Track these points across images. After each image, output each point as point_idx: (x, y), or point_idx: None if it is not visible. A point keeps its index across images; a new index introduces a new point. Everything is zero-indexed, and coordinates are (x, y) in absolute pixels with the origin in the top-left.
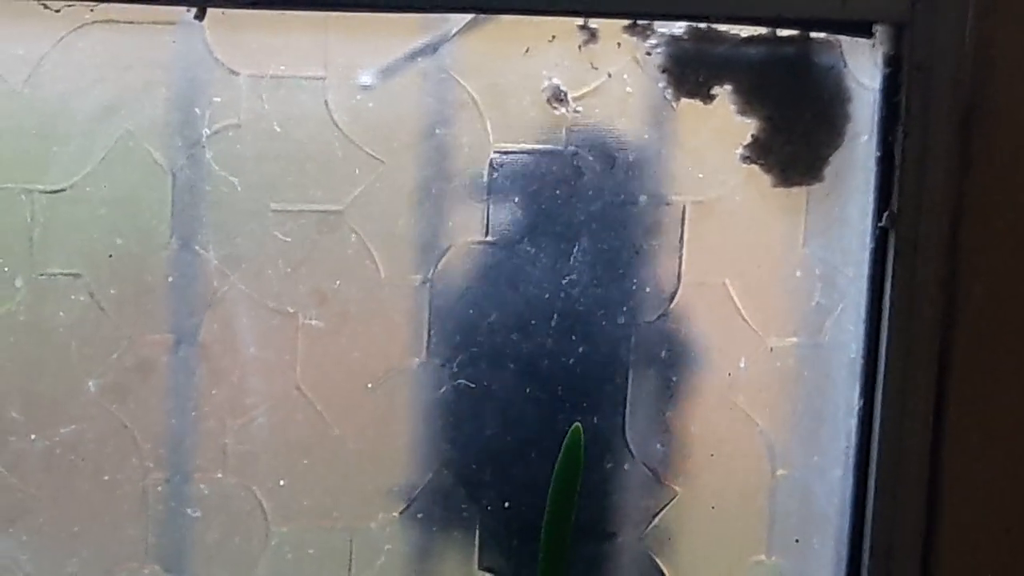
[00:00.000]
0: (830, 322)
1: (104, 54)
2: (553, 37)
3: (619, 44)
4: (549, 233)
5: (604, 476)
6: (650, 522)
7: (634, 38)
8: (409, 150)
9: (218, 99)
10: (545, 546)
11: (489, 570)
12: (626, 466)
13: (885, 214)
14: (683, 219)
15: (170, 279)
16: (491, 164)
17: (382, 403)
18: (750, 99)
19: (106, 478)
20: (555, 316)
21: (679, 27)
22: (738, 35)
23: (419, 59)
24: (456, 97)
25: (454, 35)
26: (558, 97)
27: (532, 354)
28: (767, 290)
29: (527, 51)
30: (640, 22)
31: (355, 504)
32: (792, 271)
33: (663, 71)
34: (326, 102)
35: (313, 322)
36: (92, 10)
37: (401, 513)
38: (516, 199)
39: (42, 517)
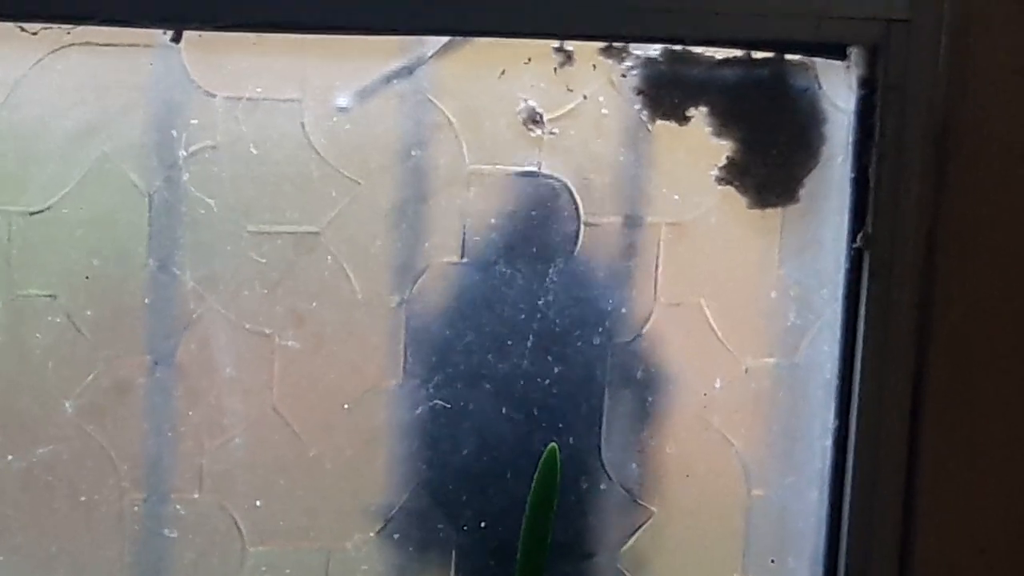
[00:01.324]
0: (805, 343)
1: (81, 76)
2: (529, 59)
3: (595, 66)
4: (525, 254)
5: (580, 496)
6: (626, 542)
7: (610, 60)
8: (385, 172)
9: (195, 121)
10: (521, 566)
11: None
12: (602, 486)
13: (860, 235)
14: (659, 240)
15: (147, 300)
16: (467, 185)
17: (359, 423)
18: (725, 121)
19: (83, 499)
20: (531, 337)
21: (655, 49)
22: (713, 57)
23: (395, 81)
24: (432, 119)
25: (430, 57)
26: (534, 119)
27: (508, 375)
28: (742, 311)
29: (503, 73)
30: (615, 44)
31: (332, 524)
32: (767, 292)
33: (638, 93)
34: (303, 124)
35: (290, 343)
36: (69, 32)
37: (378, 533)
38: (492, 220)
39: (19, 537)
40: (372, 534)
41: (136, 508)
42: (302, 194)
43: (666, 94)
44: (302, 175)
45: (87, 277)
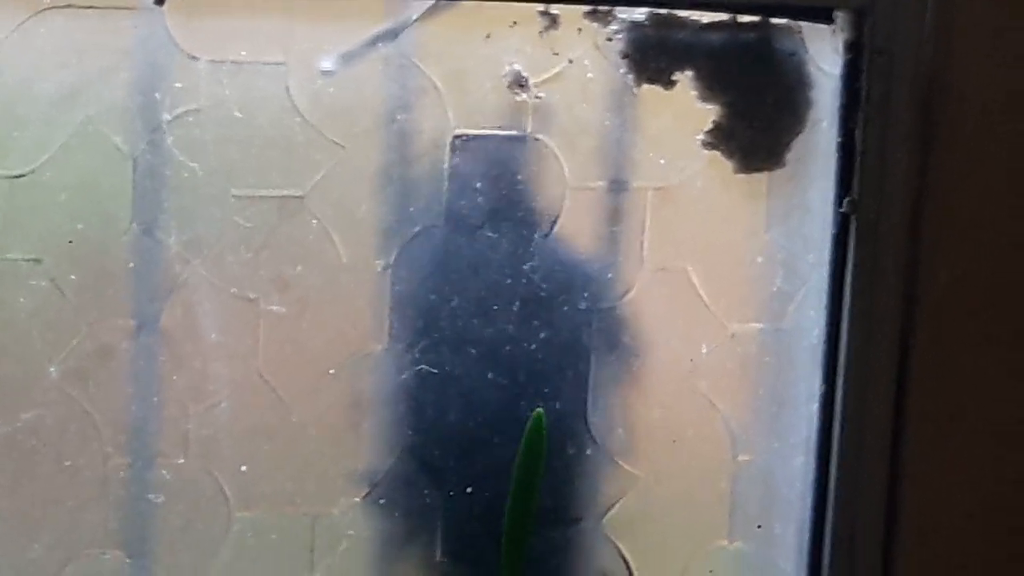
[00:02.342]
0: (792, 308)
1: (64, 39)
2: (514, 23)
3: (580, 30)
4: (510, 219)
5: (566, 461)
6: (612, 507)
7: (595, 24)
8: (370, 135)
9: (179, 84)
10: (508, 531)
11: (452, 555)
12: (588, 451)
13: (846, 200)
14: (645, 205)
15: (131, 265)
16: (452, 149)
17: (344, 388)
18: (711, 85)
19: (67, 463)
20: (517, 301)
21: (640, 13)
22: (699, 21)
23: (380, 45)
24: (417, 83)
25: (415, 21)
26: (519, 83)
27: (494, 339)
28: (729, 276)
29: (488, 37)
30: (601, 8)
31: (317, 489)
32: (754, 257)
33: (624, 57)
34: (287, 87)
35: (274, 308)
36: None
37: (363, 498)
38: (477, 184)
39: (3, 502)
40: (358, 499)
41: (121, 473)
42: (286, 158)
43: (652, 58)
44: (286, 139)
45: (71, 241)
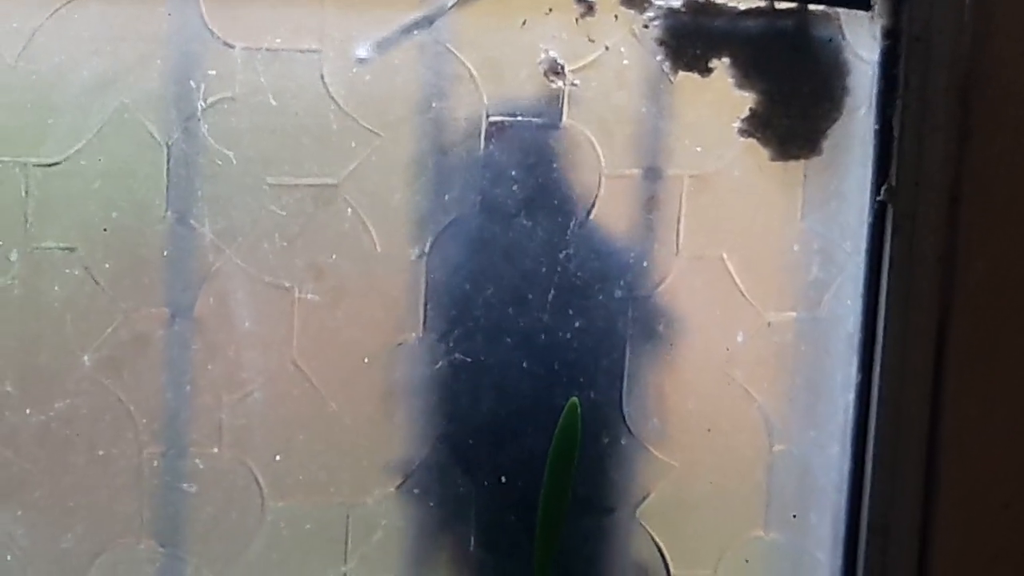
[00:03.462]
0: (828, 296)
1: (99, 27)
2: (550, 10)
3: (616, 17)
4: (546, 207)
5: (601, 451)
6: (647, 497)
7: (631, 11)
8: (405, 123)
9: (213, 72)
10: (542, 520)
11: (485, 545)
12: (623, 441)
13: (883, 188)
14: (681, 193)
15: (165, 253)
16: (487, 137)
17: (378, 378)
18: (748, 72)
19: (101, 453)
20: (552, 290)
21: (676, 0)
22: (736, 8)
23: (415, 32)
24: (453, 70)
25: (451, 8)
26: (555, 70)
27: (529, 329)
28: (765, 264)
29: (524, 24)
30: None
31: (351, 479)
32: (790, 245)
33: (660, 44)
34: (322, 75)
35: (309, 296)
36: None
37: (398, 488)
38: (512, 172)
39: (37, 492)
40: (392, 489)
41: (155, 463)
42: (321, 146)
43: (688, 45)
44: (321, 127)
45: (105, 229)
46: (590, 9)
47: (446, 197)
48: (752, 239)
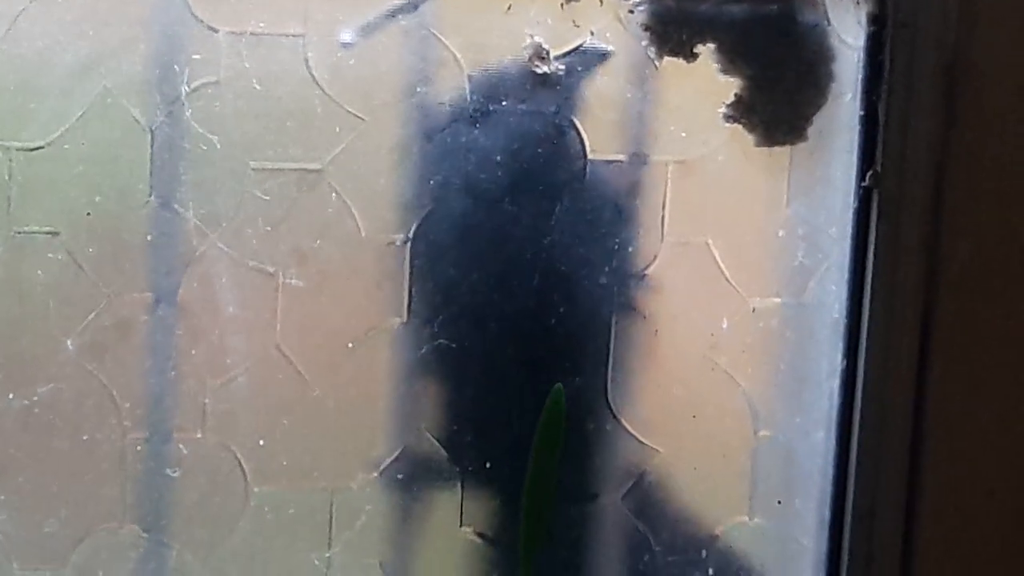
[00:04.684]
0: (813, 282)
1: (82, 10)
2: None
3: (601, 2)
4: (530, 192)
5: (586, 437)
6: (632, 483)
7: None
8: (390, 108)
9: (197, 56)
10: (527, 507)
11: (471, 531)
12: (608, 427)
13: (869, 173)
14: (665, 178)
15: (149, 237)
16: (472, 122)
17: (362, 363)
18: (733, 58)
19: (84, 438)
20: (537, 275)
21: None
22: None
23: (400, 16)
24: (437, 55)
25: None
26: (540, 55)
27: (514, 314)
28: (750, 250)
29: (509, 8)
30: None
31: (336, 464)
32: (775, 231)
33: (646, 29)
34: (306, 59)
35: (293, 281)
36: None
37: (382, 474)
38: (497, 157)
39: (20, 477)
40: (376, 474)
41: (138, 447)
42: (306, 130)
43: (673, 30)
44: (306, 111)
45: (88, 214)
46: None
47: (431, 182)
48: (737, 225)
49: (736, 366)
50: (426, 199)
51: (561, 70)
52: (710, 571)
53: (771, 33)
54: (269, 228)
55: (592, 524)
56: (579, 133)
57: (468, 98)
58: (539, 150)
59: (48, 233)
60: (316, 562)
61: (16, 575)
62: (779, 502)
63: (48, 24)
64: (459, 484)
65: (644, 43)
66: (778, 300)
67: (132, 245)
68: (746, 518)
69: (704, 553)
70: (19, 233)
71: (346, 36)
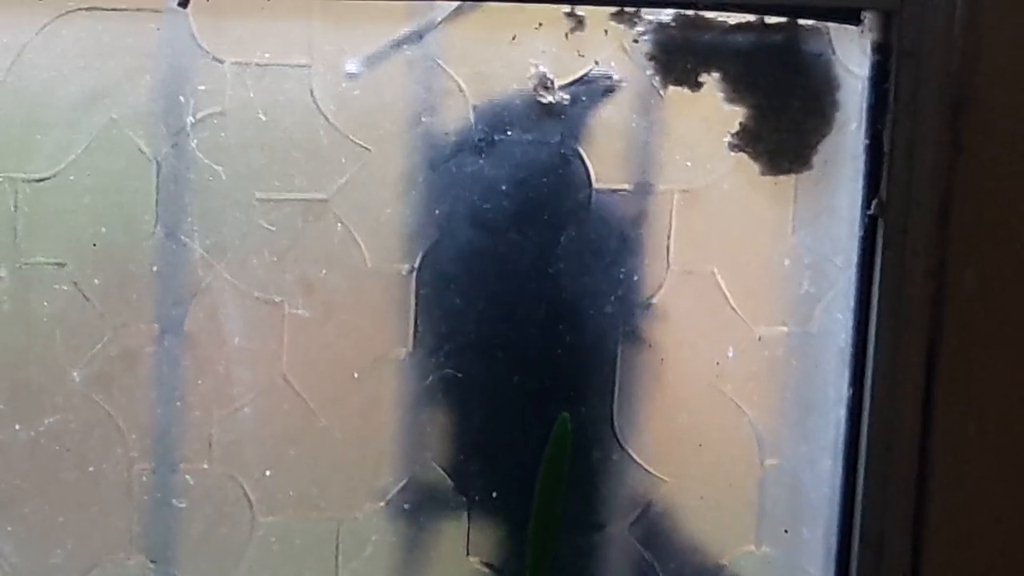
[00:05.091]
0: (819, 311)
1: (88, 42)
2: (540, 24)
3: (606, 31)
4: (536, 222)
5: (592, 466)
6: (639, 512)
7: (621, 25)
8: (395, 138)
9: (203, 87)
10: (534, 536)
11: (477, 560)
12: (614, 456)
13: (874, 202)
14: (671, 208)
15: (155, 268)
16: (477, 152)
17: (369, 393)
18: (738, 87)
19: (91, 468)
20: (543, 305)
21: (666, 14)
22: (726, 22)
23: (405, 47)
24: (442, 85)
25: (440, 23)
26: (545, 85)
27: (520, 343)
28: (756, 279)
29: (514, 39)
30: (627, 9)
31: (342, 495)
32: (781, 260)
33: (650, 59)
34: (311, 90)
35: (299, 311)
36: None
37: (388, 504)
38: (503, 187)
39: (27, 507)
40: (382, 504)
41: (145, 478)
42: (311, 161)
43: (678, 60)
44: (311, 141)
45: (95, 245)
46: (580, 24)
47: (436, 212)
48: (743, 254)
49: (742, 394)
50: (432, 229)
51: (566, 100)
52: None
53: (776, 62)
54: (275, 258)
55: (599, 554)
56: (584, 162)
57: (473, 128)
58: (544, 180)
59: (54, 264)
60: None
61: None
62: (786, 531)
63: (53, 56)
64: (466, 513)
65: (649, 72)
66: (784, 329)
67: (138, 276)
68: (753, 547)
69: None
70: (26, 264)
71: (351, 67)
